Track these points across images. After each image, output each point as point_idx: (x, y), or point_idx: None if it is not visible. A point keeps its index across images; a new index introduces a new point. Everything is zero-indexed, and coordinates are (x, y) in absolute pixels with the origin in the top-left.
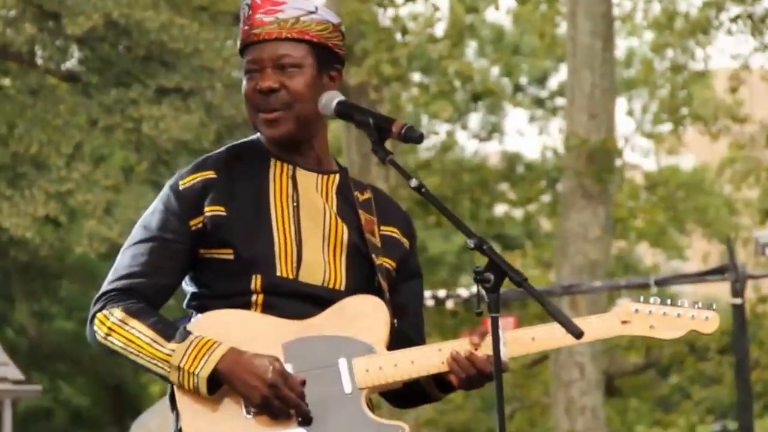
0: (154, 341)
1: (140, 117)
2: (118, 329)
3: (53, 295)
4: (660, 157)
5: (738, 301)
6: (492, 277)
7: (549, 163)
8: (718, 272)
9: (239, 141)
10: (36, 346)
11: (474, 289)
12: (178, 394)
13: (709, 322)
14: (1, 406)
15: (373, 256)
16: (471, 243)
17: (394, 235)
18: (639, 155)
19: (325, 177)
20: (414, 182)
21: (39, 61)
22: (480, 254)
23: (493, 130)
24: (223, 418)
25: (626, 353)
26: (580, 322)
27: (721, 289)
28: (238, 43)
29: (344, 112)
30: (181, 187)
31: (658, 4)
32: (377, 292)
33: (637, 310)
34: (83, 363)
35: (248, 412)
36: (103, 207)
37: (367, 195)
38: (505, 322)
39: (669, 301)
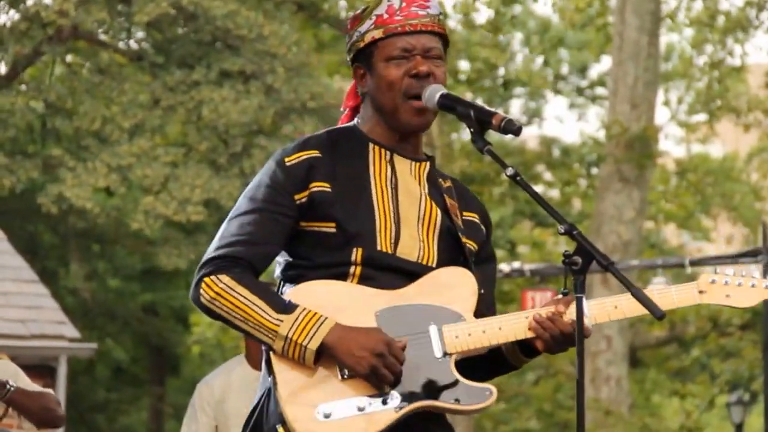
0: (262, 309)
1: (201, 100)
2: (226, 295)
3: (109, 260)
4: (690, 144)
5: None
6: (580, 260)
7: (586, 147)
8: (750, 255)
9: (337, 126)
10: (88, 306)
11: (515, 264)
12: (274, 360)
13: None
14: (57, 362)
15: (461, 236)
16: (562, 228)
17: (475, 220)
18: (672, 143)
19: (418, 164)
20: (510, 171)
21: (104, 38)
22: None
23: (533, 116)
24: (319, 382)
25: (650, 327)
26: (661, 292)
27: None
28: (378, 32)
29: (447, 104)
30: (287, 163)
31: (701, 2)
32: (465, 266)
33: (713, 281)
34: (131, 323)
35: (343, 377)
36: (161, 182)
37: (449, 183)
38: (543, 297)
39: (743, 273)
